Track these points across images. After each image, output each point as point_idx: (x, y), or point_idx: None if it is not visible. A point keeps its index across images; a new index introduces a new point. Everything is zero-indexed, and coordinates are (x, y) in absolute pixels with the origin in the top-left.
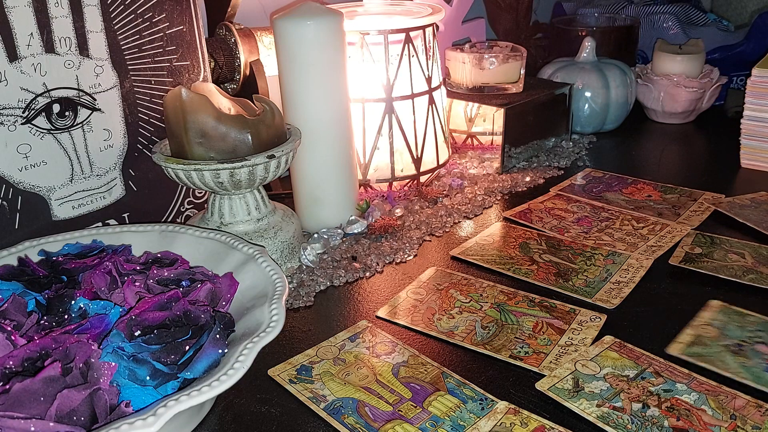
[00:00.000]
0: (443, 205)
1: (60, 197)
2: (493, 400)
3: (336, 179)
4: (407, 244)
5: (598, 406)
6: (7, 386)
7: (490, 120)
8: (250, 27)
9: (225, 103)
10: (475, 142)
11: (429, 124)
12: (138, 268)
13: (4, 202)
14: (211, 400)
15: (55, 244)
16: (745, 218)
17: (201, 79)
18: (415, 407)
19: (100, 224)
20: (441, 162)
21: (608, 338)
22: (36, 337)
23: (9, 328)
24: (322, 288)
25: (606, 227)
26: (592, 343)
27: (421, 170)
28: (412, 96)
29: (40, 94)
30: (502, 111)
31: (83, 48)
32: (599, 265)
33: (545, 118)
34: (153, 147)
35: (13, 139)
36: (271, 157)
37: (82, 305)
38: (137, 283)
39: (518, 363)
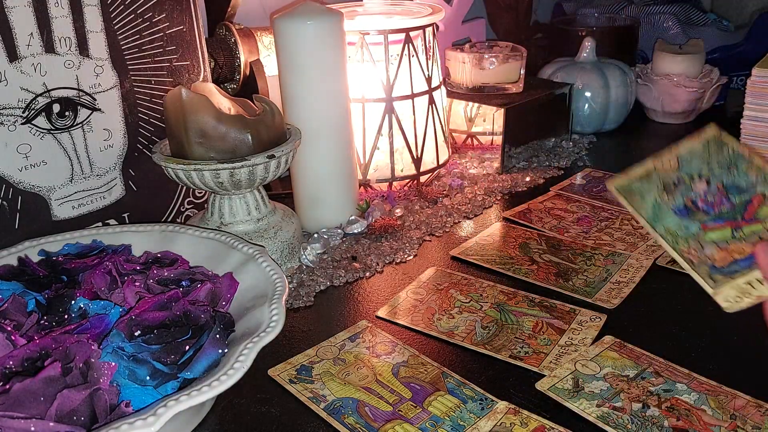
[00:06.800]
0: (443, 205)
1: (60, 197)
2: (493, 400)
3: (336, 179)
4: (407, 244)
5: (598, 406)
6: (7, 386)
7: (490, 120)
8: (250, 27)
9: (225, 103)
10: (475, 142)
11: (429, 124)
12: (138, 268)
13: (4, 202)
14: (211, 400)
15: (55, 244)
16: None
17: (201, 79)
18: (415, 407)
19: (100, 224)
20: (441, 162)
21: (608, 338)
22: (36, 337)
23: (9, 328)
24: (322, 288)
25: (606, 227)
26: (592, 343)
27: (421, 170)
28: (412, 96)
29: (40, 94)
30: (502, 111)
31: (83, 48)
32: (599, 265)
33: (545, 118)
34: (153, 147)
35: (13, 139)
36: (271, 157)
37: (82, 305)
38: (137, 283)
39: (518, 363)
